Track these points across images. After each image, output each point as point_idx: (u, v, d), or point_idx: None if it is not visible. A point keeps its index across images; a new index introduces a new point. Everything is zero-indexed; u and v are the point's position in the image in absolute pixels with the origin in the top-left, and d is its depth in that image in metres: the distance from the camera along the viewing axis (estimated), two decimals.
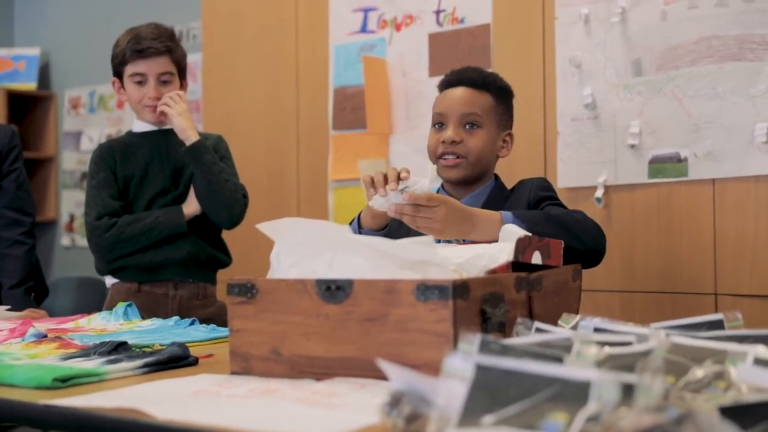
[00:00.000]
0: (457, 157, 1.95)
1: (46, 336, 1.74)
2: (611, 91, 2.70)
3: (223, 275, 2.60)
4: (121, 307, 2.14)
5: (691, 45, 2.56)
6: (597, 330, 1.32)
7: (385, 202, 1.70)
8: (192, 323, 2.00)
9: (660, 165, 2.61)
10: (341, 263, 1.33)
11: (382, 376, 1.24)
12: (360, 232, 1.84)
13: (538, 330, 1.32)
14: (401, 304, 1.24)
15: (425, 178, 1.69)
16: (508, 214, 1.74)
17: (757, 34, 2.44)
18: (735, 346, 1.07)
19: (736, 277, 2.48)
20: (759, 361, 1.00)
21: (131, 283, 2.43)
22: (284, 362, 1.33)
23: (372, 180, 1.70)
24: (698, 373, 1.01)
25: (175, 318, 2.04)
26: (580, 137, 2.76)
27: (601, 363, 1.01)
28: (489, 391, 0.87)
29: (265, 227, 1.41)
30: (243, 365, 1.37)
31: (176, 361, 1.48)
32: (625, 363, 0.99)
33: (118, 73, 2.45)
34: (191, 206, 2.41)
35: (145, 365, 1.43)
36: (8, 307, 2.41)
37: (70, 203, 5.51)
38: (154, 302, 2.41)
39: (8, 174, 2.69)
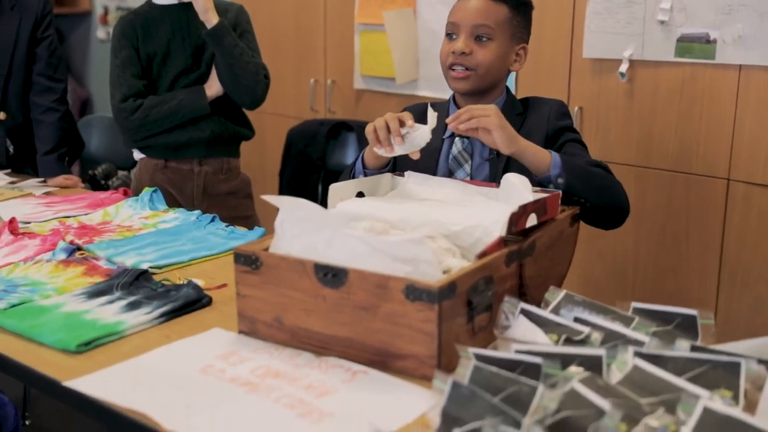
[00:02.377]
0: (466, 69, 1.93)
1: (75, 251, 1.86)
2: None
3: (245, 146, 2.67)
4: (146, 193, 2.24)
5: None
6: (576, 320, 1.40)
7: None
8: (212, 220, 2.10)
9: (688, 44, 2.55)
10: (339, 243, 1.40)
11: (371, 360, 1.36)
12: (365, 173, 1.87)
13: (523, 312, 1.41)
14: (392, 300, 1.32)
15: (426, 125, 1.70)
16: (557, 158, 1.74)
17: None
18: (691, 387, 1.16)
19: (750, 166, 2.50)
20: (707, 411, 1.09)
21: (158, 159, 2.51)
22: (286, 331, 1.44)
23: (376, 134, 1.71)
24: (650, 422, 1.10)
25: (197, 212, 2.13)
26: (609, 6, 2.68)
27: (562, 406, 1.10)
28: None
29: (271, 198, 1.46)
30: (250, 327, 1.48)
31: (192, 304, 1.60)
32: (582, 417, 1.08)
33: None
34: (213, 87, 2.44)
35: (162, 315, 1.54)
36: (41, 180, 2.53)
37: None
38: (180, 177, 2.51)
39: (42, 41, 2.69)
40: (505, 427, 1.03)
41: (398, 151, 1.71)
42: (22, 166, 2.79)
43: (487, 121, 1.69)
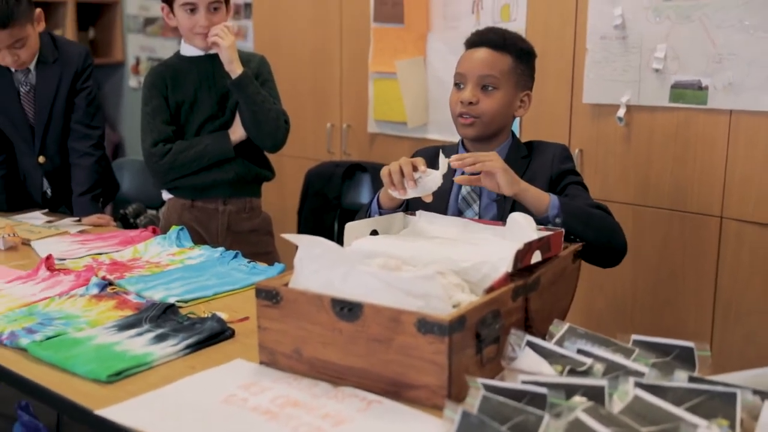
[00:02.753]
0: (473, 117, 1.94)
1: (106, 286, 1.86)
2: (641, 12, 2.60)
3: (266, 186, 2.68)
4: (173, 231, 2.25)
5: None
6: (579, 351, 1.38)
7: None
8: (235, 256, 2.10)
9: (681, 91, 2.56)
10: (355, 279, 1.39)
11: (385, 390, 1.35)
12: (380, 212, 1.87)
13: (529, 344, 1.40)
14: (404, 333, 1.31)
15: (437, 171, 1.70)
16: (555, 200, 1.74)
17: None
18: (689, 417, 1.14)
19: (742, 205, 2.49)
20: None
21: (185, 199, 2.52)
22: (304, 362, 1.43)
23: (391, 178, 1.71)
24: None
25: (221, 249, 2.14)
26: (607, 56, 2.69)
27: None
28: None
29: (290, 237, 1.46)
30: (270, 358, 1.47)
31: (215, 336, 1.59)
32: None
33: (167, 0, 2.42)
34: (237, 133, 2.46)
35: (188, 347, 1.54)
36: (76, 219, 2.54)
37: (135, 47, 5.52)
38: (206, 216, 2.52)
39: (81, 91, 2.71)
40: None
41: (411, 194, 1.71)
42: (58, 205, 2.81)
43: (492, 165, 1.70)
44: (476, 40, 1.97)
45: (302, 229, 3.21)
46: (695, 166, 2.57)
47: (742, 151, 2.47)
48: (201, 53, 2.48)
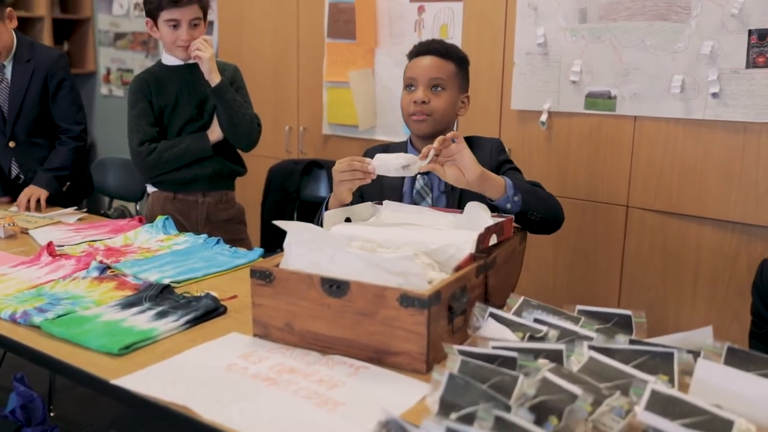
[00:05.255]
0: (425, 114, 1.91)
1: (105, 269, 1.77)
2: (560, 33, 2.62)
3: (239, 180, 2.60)
4: (160, 220, 2.16)
5: (628, 2, 2.46)
6: (536, 320, 1.38)
7: (383, 169, 1.66)
8: (217, 242, 2.03)
9: (594, 99, 2.58)
10: (340, 260, 1.36)
11: (370, 357, 1.31)
12: None
13: (492, 315, 1.38)
14: (388, 307, 1.28)
15: (419, 161, 1.64)
16: (509, 181, 1.68)
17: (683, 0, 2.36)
18: (639, 374, 1.14)
19: (644, 195, 2.53)
20: (654, 393, 1.07)
21: (168, 192, 2.42)
22: (295, 334, 1.38)
23: (352, 172, 1.66)
24: (611, 403, 1.08)
25: (204, 236, 2.06)
26: (531, 69, 2.70)
27: (539, 392, 1.07)
28: None
29: (280, 223, 1.41)
30: (264, 331, 1.42)
31: (210, 313, 1.53)
32: (558, 400, 1.05)
33: (152, 16, 2.32)
34: (215, 133, 2.37)
35: (187, 322, 1.48)
36: (75, 207, 2.44)
37: (106, 59, 5.31)
38: (187, 207, 2.43)
39: (57, 92, 2.60)
40: (497, 410, 1.00)
41: (393, 174, 1.63)
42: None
43: (463, 146, 1.64)
44: (423, 50, 1.93)
45: (266, 218, 3.13)
46: (605, 163, 2.60)
47: (644, 150, 2.51)
48: (181, 63, 2.38)
